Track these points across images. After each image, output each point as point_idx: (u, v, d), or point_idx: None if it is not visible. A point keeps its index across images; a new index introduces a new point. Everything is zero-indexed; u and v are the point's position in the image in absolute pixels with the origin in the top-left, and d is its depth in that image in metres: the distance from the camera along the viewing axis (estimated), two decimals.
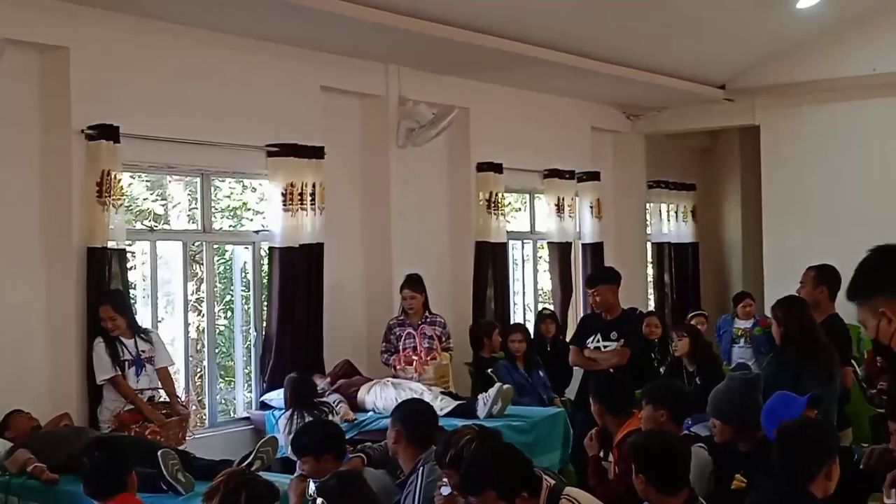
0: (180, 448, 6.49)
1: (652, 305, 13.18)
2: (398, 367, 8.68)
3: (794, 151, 11.83)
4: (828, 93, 11.29)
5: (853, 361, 7.45)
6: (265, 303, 8.76)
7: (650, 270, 13.76)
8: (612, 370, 7.57)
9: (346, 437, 7.02)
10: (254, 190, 9.67)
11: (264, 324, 8.73)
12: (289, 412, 7.56)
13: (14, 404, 6.76)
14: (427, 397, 7.51)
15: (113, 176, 7.24)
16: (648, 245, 13.71)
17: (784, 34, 10.52)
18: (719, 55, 10.99)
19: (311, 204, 8.61)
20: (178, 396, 7.60)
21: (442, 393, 8.15)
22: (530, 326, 10.18)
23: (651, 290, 13.71)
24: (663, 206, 13.75)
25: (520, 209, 12.06)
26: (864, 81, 10.95)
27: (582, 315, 10.91)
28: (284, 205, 8.50)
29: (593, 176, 11.94)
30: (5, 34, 6.54)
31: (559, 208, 11.55)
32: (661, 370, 9.16)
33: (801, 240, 11.05)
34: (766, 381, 5.64)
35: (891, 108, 11.18)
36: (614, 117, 12.65)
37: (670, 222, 13.79)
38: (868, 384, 8.42)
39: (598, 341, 7.41)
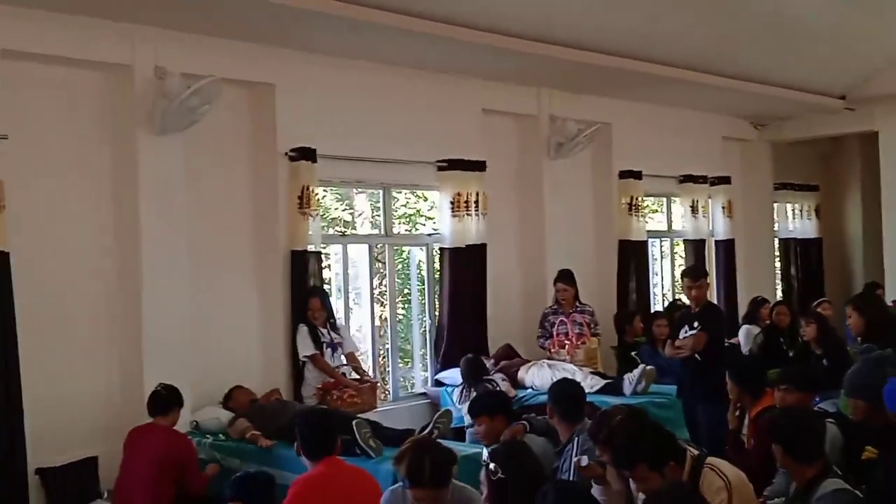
0: (371, 417, 6.60)
1: (780, 295, 12.77)
2: (552, 351, 8.70)
3: None
4: None
5: None
6: (437, 295, 8.89)
7: (777, 264, 13.36)
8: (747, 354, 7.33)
9: None
10: (426, 199, 9.81)
11: (436, 313, 8.87)
12: (462, 385, 7.73)
13: (235, 381, 7.03)
14: (578, 377, 7.47)
15: (311, 190, 7.45)
16: (776, 241, 13.32)
17: None
18: (839, 68, 10.57)
19: (475, 210, 8.69)
20: (364, 371, 7.80)
21: (591, 373, 8.14)
22: None
23: (779, 282, 13.32)
24: (789, 206, 13.36)
25: (657, 210, 11.89)
26: None
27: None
28: (452, 211, 8.63)
29: (724, 180, 11.68)
30: (223, 74, 6.72)
31: (693, 209, 11.36)
32: (791, 354, 8.90)
33: None
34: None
35: None
36: (742, 127, 12.33)
37: (796, 220, 13.39)
38: None
39: (685, 332, 7.25)
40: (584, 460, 4.37)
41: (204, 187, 7.12)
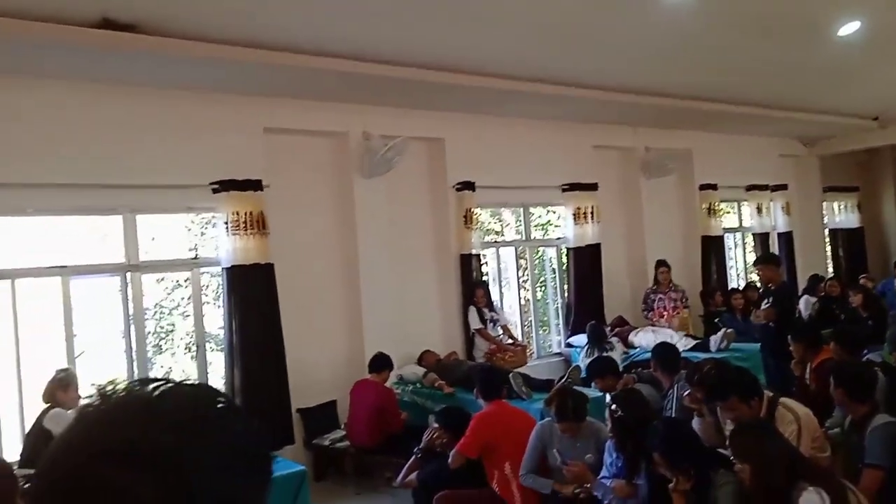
0: (522, 371, 6.67)
1: (831, 272, 12.12)
2: (654, 320, 8.59)
3: None
4: None
5: None
6: (565, 282, 8.91)
7: (829, 249, 12.64)
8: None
9: (624, 365, 7.06)
10: (554, 212, 9.83)
11: (566, 294, 8.88)
12: (587, 346, 7.68)
13: (425, 346, 7.19)
14: (674, 339, 7.37)
15: (472, 211, 7.59)
16: (826, 231, 12.60)
17: None
18: (872, 96, 9.93)
19: (592, 219, 8.68)
20: (516, 338, 7.90)
21: (685, 335, 8.01)
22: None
23: (830, 262, 12.61)
24: (836, 204, 12.61)
25: (730, 212, 11.46)
26: None
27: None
28: (575, 221, 8.63)
29: (782, 187, 11.16)
30: (408, 134, 6.92)
31: (759, 210, 10.92)
32: (842, 317, 8.48)
33: None
34: None
35: None
36: (795, 146, 11.71)
37: (841, 214, 12.63)
38: None
39: (765, 304, 6.97)
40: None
41: (399, 213, 7.26)
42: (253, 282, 6.02)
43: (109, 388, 0.80)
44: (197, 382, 0.86)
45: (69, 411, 4.34)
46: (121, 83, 5.51)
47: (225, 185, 5.96)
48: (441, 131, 7.50)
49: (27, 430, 4.68)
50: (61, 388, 4.34)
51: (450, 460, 4.29)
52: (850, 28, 7.41)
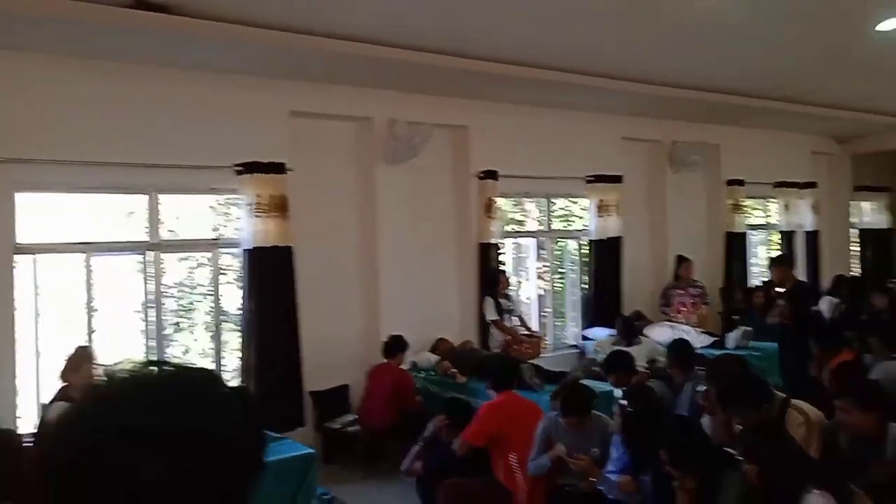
0: (537, 363, 6.63)
1: (858, 273, 11.89)
2: (673, 316, 8.52)
3: None
4: None
5: None
6: (584, 274, 8.86)
7: (858, 248, 12.35)
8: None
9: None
10: (576, 203, 9.76)
11: (584, 287, 8.82)
12: (616, 339, 7.36)
13: (440, 333, 7.21)
14: (692, 335, 7.29)
15: (493, 200, 7.56)
16: (857, 231, 12.30)
17: None
18: None
19: (615, 212, 8.61)
20: (532, 329, 7.87)
21: (702, 332, 7.92)
22: None
23: (857, 263, 12.35)
24: (866, 204, 12.33)
25: (757, 209, 11.29)
26: None
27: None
28: (598, 213, 8.57)
29: (812, 185, 10.95)
30: (433, 121, 6.99)
31: (786, 208, 10.75)
32: (864, 318, 8.32)
33: None
34: None
35: None
36: (828, 143, 11.49)
37: (872, 214, 12.36)
38: None
39: (779, 303, 6.86)
40: (701, 387, 4.29)
41: (421, 200, 7.26)
42: (272, 264, 6.07)
43: (116, 369, 0.82)
44: (199, 367, 0.87)
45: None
46: (149, 63, 5.56)
47: (248, 168, 6.01)
48: (466, 119, 7.46)
49: (44, 404, 4.76)
50: (71, 368, 4.36)
51: (456, 448, 4.30)
52: (890, 24, 7.21)
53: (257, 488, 0.81)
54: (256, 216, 6.03)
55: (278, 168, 6.09)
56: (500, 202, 7.82)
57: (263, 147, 6.09)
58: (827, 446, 3.72)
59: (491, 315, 7.39)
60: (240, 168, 6.00)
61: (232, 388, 0.85)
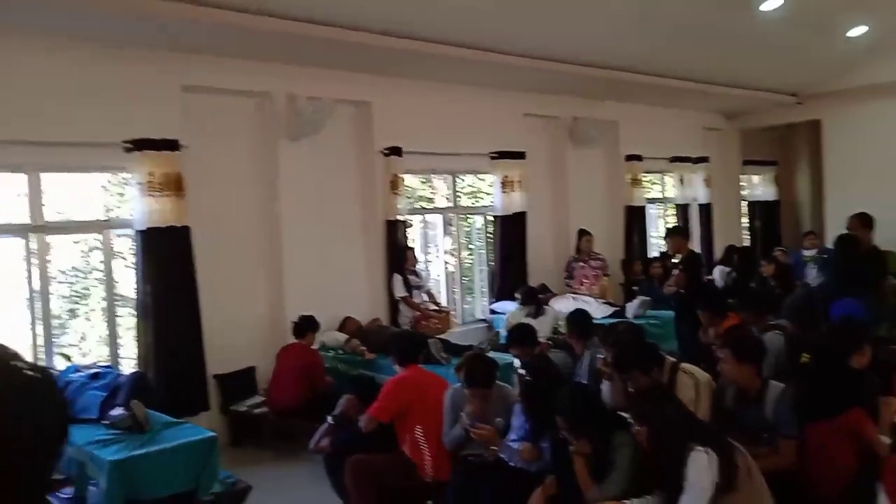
0: (446, 337, 6.71)
1: (748, 243, 12.58)
2: (576, 288, 8.75)
3: (846, 137, 10.88)
4: (871, 93, 10.29)
5: (890, 276, 6.90)
6: (491, 249, 8.95)
7: (745, 220, 13.06)
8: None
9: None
10: (484, 180, 9.82)
11: (491, 262, 8.94)
12: (519, 309, 7.48)
13: (347, 312, 7.15)
14: (593, 306, 7.52)
15: (399, 177, 7.52)
16: (745, 203, 13.00)
17: (838, 54, 9.66)
18: (791, 73, 10.25)
19: (519, 188, 8.72)
20: (440, 304, 7.92)
21: (603, 303, 8.18)
22: None
23: (747, 233, 13.06)
24: (755, 177, 13.07)
25: (656, 183, 11.70)
26: None
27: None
28: (503, 189, 8.65)
29: (704, 160, 11.41)
30: (335, 96, 6.88)
31: (682, 182, 11.19)
32: (752, 285, 8.80)
33: (852, 196, 10.13)
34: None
35: None
36: (718, 120, 12.02)
37: (760, 187, 13.10)
38: None
39: (675, 272, 7.16)
40: (600, 355, 4.44)
41: (324, 177, 7.15)
42: (168, 245, 5.85)
43: None
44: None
45: None
46: (27, 33, 5.20)
47: (138, 145, 5.74)
48: (369, 95, 7.37)
49: None
50: None
51: (362, 424, 4.29)
52: (772, 3, 7.56)
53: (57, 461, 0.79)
54: (150, 195, 5.77)
55: (171, 145, 5.84)
56: (408, 179, 7.77)
57: (154, 123, 5.83)
58: (715, 407, 3.91)
59: (399, 292, 7.38)
60: (129, 145, 5.72)
61: (39, 373, 0.81)
